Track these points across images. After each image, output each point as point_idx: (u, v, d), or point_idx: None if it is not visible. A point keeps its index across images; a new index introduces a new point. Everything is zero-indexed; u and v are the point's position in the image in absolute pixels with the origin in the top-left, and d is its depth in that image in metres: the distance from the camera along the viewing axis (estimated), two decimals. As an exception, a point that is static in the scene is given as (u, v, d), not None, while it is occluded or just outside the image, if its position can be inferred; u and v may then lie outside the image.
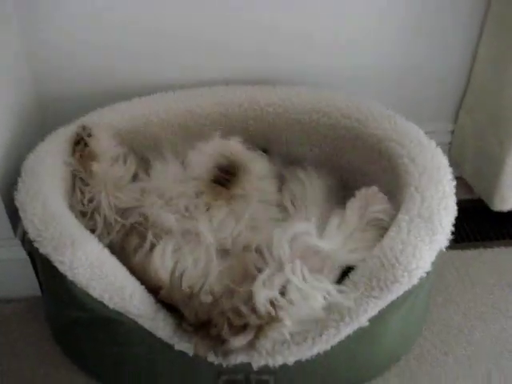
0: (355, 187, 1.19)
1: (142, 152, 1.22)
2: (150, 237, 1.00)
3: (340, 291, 0.90)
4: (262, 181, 1.16)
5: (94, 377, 1.09)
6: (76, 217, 1.03)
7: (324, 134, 1.24)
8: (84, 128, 1.13)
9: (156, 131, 1.25)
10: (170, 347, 0.94)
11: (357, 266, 0.94)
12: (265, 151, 1.24)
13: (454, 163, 1.43)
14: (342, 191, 1.23)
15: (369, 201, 1.03)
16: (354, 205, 1.04)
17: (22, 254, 1.17)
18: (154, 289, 0.95)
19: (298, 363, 0.93)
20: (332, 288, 0.90)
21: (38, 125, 1.31)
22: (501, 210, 1.36)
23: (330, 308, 0.90)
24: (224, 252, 1.03)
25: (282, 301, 0.86)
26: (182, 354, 0.94)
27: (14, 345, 1.15)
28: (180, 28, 1.27)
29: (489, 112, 1.34)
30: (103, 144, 1.12)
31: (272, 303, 0.86)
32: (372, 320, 0.92)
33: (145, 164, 1.17)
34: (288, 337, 0.88)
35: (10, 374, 1.11)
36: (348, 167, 1.25)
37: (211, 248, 1.00)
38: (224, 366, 0.93)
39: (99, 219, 1.05)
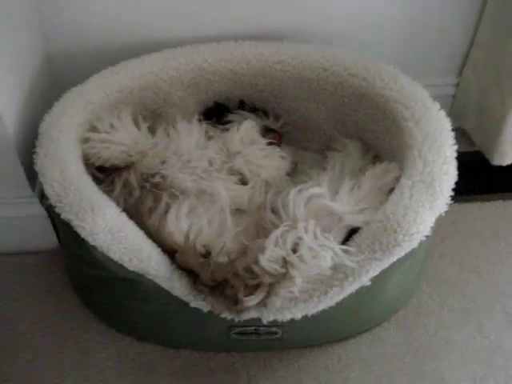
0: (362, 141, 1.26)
1: (154, 110, 1.26)
2: (165, 198, 1.04)
3: (346, 252, 0.95)
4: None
5: (111, 325, 1.17)
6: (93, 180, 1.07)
7: (331, 91, 1.27)
8: None
9: (166, 88, 1.27)
10: (185, 304, 1.00)
11: (361, 228, 0.99)
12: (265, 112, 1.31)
13: (456, 115, 1.49)
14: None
15: (386, 174, 1.08)
16: (370, 173, 1.08)
17: (41, 210, 1.22)
18: (169, 251, 1.00)
19: (305, 316, 0.99)
20: (339, 249, 0.94)
21: (52, 84, 1.33)
22: (500, 164, 1.40)
23: (335, 267, 0.96)
24: (240, 212, 1.08)
25: (293, 258, 0.91)
26: (197, 310, 1.00)
27: (35, 294, 1.22)
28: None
29: (493, 68, 1.35)
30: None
31: (284, 260, 0.91)
32: (373, 279, 0.98)
33: (159, 121, 1.22)
34: (297, 294, 0.94)
35: (32, 321, 1.18)
36: (353, 124, 1.28)
37: (226, 208, 1.05)
38: (236, 320, 0.99)
39: (118, 184, 1.10)
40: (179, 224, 1.00)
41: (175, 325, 1.09)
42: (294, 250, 0.92)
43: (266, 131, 1.28)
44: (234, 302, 0.93)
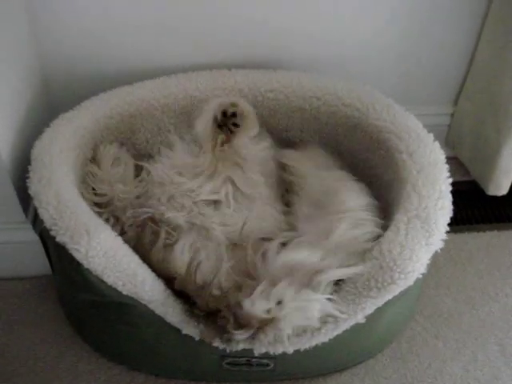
0: (355, 172, 1.24)
1: (142, 140, 1.27)
2: (162, 235, 1.04)
3: (333, 302, 0.95)
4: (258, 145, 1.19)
5: (102, 354, 1.15)
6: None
7: (324, 121, 1.26)
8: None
9: (157, 115, 1.26)
10: (177, 331, 0.99)
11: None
12: None
13: (451, 145, 1.49)
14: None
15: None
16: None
17: (33, 236, 1.20)
18: (168, 278, 1.00)
19: (297, 350, 0.98)
20: (325, 299, 0.94)
21: (48, 109, 1.32)
22: (495, 194, 1.40)
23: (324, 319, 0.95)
24: (233, 246, 1.08)
25: (277, 312, 0.90)
26: (189, 337, 0.99)
27: (25, 322, 1.20)
28: (182, 11, 1.26)
29: (488, 98, 1.35)
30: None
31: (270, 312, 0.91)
32: (368, 316, 0.97)
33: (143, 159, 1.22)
34: (286, 338, 0.93)
35: (21, 348, 1.16)
36: (348, 154, 1.27)
37: (222, 245, 1.05)
38: (227, 351, 0.98)
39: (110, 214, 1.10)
40: (182, 255, 1.01)
41: (167, 352, 1.08)
42: (280, 302, 0.91)
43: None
44: (226, 332, 0.93)
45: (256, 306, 0.90)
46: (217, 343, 0.97)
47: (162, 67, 1.30)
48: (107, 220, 1.11)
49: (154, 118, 1.26)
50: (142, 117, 1.25)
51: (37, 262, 1.25)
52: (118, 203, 1.13)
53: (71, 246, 0.95)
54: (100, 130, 1.20)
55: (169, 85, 1.26)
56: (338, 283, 0.99)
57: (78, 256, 0.95)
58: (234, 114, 1.10)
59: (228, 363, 1.06)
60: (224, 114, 1.10)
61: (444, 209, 1.01)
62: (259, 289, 0.92)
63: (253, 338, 0.93)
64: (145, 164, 1.18)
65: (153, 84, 1.26)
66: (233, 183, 1.14)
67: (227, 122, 1.11)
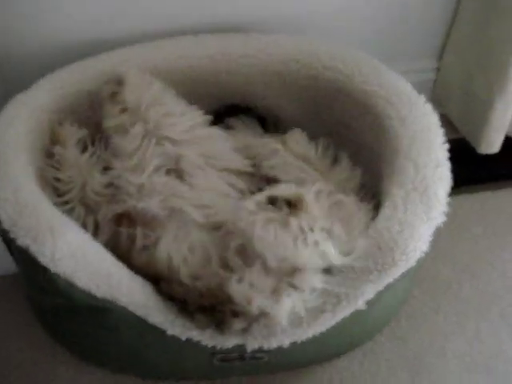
0: (339, 140, 1.16)
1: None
2: (139, 239, 0.94)
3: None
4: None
5: (82, 358, 1.07)
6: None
7: (304, 86, 1.16)
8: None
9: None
10: (162, 332, 0.90)
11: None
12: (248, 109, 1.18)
13: (438, 101, 1.39)
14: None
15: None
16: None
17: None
18: (153, 279, 0.92)
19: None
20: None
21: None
22: (487, 153, 1.32)
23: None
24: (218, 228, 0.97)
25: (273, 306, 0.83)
26: (175, 338, 0.90)
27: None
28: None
29: (477, 49, 1.26)
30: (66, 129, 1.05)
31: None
32: (367, 301, 0.90)
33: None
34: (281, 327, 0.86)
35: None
36: (330, 120, 1.18)
37: (203, 231, 0.95)
38: (217, 348, 0.90)
39: (81, 212, 1.00)
40: (165, 254, 0.92)
41: (153, 354, 0.99)
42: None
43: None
44: (221, 324, 0.86)
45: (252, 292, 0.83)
46: (206, 341, 0.89)
47: (123, 37, 1.17)
48: (73, 209, 1.00)
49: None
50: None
51: (2, 260, 1.14)
52: (91, 193, 1.01)
53: (35, 249, 0.85)
54: (59, 109, 1.08)
55: (131, 57, 1.13)
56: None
57: (43, 260, 0.85)
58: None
59: (219, 359, 0.98)
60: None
61: (443, 178, 0.94)
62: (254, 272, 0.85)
63: (247, 329, 0.85)
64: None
65: (113, 56, 1.13)
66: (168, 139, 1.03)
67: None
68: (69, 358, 1.07)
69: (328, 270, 0.89)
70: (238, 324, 0.84)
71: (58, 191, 1.02)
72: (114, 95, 1.04)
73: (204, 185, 1.01)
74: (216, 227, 0.96)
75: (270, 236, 0.86)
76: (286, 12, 1.24)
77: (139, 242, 0.94)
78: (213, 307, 0.85)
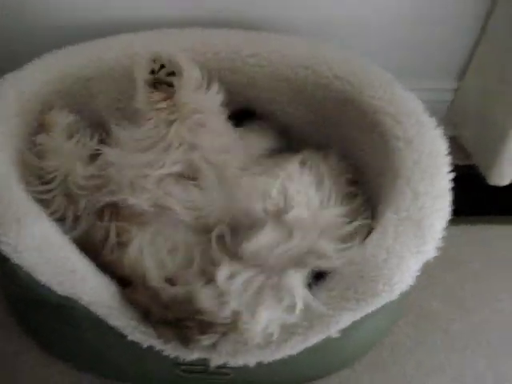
0: (342, 154, 1.10)
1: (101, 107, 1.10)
2: (113, 232, 0.90)
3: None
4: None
5: (45, 350, 1.03)
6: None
7: (312, 93, 1.10)
8: None
9: (118, 78, 1.09)
10: (123, 336, 0.86)
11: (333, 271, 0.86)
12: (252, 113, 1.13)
13: (452, 124, 1.33)
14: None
15: None
16: None
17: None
18: (122, 282, 0.88)
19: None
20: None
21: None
22: (497, 184, 1.26)
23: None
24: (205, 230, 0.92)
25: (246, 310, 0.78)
26: (136, 343, 0.86)
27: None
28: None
29: (499, 75, 1.19)
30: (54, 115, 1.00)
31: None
32: (343, 329, 0.85)
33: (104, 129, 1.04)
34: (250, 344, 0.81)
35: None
36: (336, 132, 1.12)
37: (189, 232, 0.91)
38: (180, 359, 0.86)
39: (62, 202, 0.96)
40: (136, 254, 0.88)
41: (114, 356, 0.96)
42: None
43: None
44: (186, 340, 0.81)
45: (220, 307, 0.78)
46: (168, 351, 0.85)
47: (125, 22, 1.14)
48: (54, 199, 0.96)
49: (114, 81, 1.09)
50: (100, 80, 1.09)
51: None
52: (73, 185, 0.97)
53: None
54: (49, 93, 1.04)
55: (133, 44, 1.09)
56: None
57: (6, 249, 0.81)
58: (162, 66, 0.94)
59: (183, 370, 0.93)
60: (152, 72, 0.94)
61: (442, 210, 0.88)
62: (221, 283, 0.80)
63: (213, 345, 0.81)
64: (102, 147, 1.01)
65: (113, 42, 1.10)
66: (196, 148, 0.96)
67: (161, 79, 0.95)
68: (33, 347, 1.03)
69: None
70: (204, 341, 0.80)
71: (41, 179, 0.98)
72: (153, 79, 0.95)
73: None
74: (204, 230, 0.92)
75: None
76: (299, 13, 1.20)
77: (113, 238, 0.90)
78: (177, 321, 0.81)
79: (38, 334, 1.03)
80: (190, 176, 0.97)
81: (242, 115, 1.12)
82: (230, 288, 0.80)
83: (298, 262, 0.85)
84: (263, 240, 0.85)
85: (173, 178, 0.96)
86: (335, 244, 0.87)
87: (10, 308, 1.06)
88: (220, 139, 0.98)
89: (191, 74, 0.96)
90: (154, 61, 0.94)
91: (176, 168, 0.95)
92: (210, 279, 0.82)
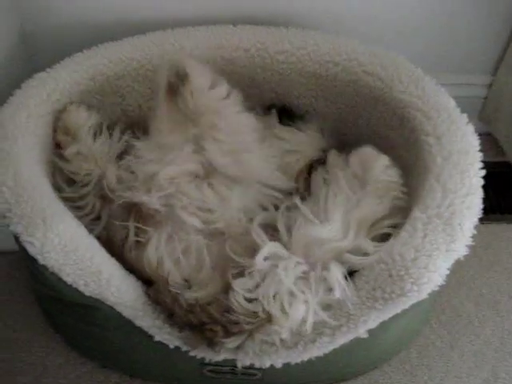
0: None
1: (134, 107, 1.11)
2: (132, 229, 0.90)
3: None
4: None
5: (74, 348, 1.04)
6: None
7: (342, 90, 1.09)
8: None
9: (149, 77, 1.09)
10: (149, 336, 0.87)
11: (361, 270, 0.84)
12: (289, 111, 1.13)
13: (486, 120, 1.30)
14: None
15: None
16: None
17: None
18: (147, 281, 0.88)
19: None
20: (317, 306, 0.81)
21: (20, 68, 1.16)
22: (533, 181, 1.22)
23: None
24: (218, 233, 0.92)
25: (272, 305, 0.78)
26: (163, 344, 0.87)
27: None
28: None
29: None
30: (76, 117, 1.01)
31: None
32: (372, 330, 0.83)
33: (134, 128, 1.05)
34: (278, 342, 0.81)
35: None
36: (365, 128, 1.11)
37: (200, 237, 0.89)
38: (207, 360, 0.86)
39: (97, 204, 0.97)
40: (156, 256, 0.87)
41: (141, 355, 0.96)
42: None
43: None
44: (212, 343, 0.81)
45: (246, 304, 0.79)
46: (195, 352, 0.85)
47: (156, 20, 1.14)
48: (88, 202, 0.97)
49: (144, 80, 1.10)
50: (131, 78, 1.09)
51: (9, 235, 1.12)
52: (106, 187, 0.97)
53: (25, 238, 0.82)
54: (79, 93, 1.04)
55: (163, 42, 1.09)
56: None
57: (32, 250, 0.82)
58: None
59: (210, 371, 0.93)
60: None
61: (472, 208, 0.84)
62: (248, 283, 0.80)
63: (240, 347, 0.81)
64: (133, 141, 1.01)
65: (144, 40, 1.09)
66: (205, 149, 0.96)
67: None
68: (61, 345, 1.04)
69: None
70: (230, 344, 0.80)
71: (74, 183, 0.99)
72: (171, 87, 0.96)
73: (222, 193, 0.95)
74: (215, 233, 0.92)
75: None
76: (329, 9, 1.18)
77: (131, 238, 0.90)
78: (202, 324, 0.81)
79: (65, 333, 1.04)
80: (204, 176, 0.97)
81: (280, 112, 1.12)
82: (269, 271, 0.80)
83: (338, 258, 0.84)
84: (322, 234, 0.85)
85: (187, 177, 0.95)
86: (374, 244, 0.86)
87: (40, 306, 1.07)
88: (236, 138, 0.97)
89: (198, 79, 0.95)
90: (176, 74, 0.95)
91: (188, 167, 0.95)
92: (240, 273, 0.82)
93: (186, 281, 0.85)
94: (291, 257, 0.83)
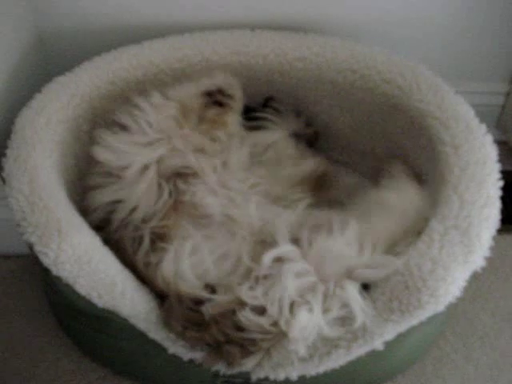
0: (388, 158, 1.08)
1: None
2: (147, 235, 0.89)
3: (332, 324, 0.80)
4: None
5: (86, 354, 1.03)
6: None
7: (359, 98, 1.09)
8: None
9: (168, 82, 1.09)
10: (163, 349, 0.86)
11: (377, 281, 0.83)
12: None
13: (504, 128, 1.29)
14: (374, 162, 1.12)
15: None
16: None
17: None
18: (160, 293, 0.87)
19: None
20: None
21: (37, 72, 1.17)
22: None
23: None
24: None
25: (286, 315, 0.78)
26: (176, 356, 0.86)
27: (6, 306, 1.09)
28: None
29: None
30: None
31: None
32: (388, 342, 0.82)
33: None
34: (295, 359, 0.81)
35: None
36: (382, 138, 1.10)
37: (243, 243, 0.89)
38: (221, 373, 0.85)
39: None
40: (177, 267, 0.86)
41: (154, 366, 0.95)
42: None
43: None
44: (229, 363, 0.81)
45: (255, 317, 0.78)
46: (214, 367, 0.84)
47: (174, 24, 1.15)
48: None
49: (163, 84, 1.08)
50: (150, 83, 1.09)
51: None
52: None
53: (39, 249, 0.81)
54: (100, 97, 1.05)
55: (182, 46, 1.10)
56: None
57: (46, 261, 0.81)
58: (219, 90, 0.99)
59: (223, 382, 0.92)
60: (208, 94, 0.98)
61: (490, 219, 0.84)
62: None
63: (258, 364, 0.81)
64: None
65: (163, 44, 1.10)
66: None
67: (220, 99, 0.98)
68: (73, 351, 1.03)
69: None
70: (248, 364, 0.80)
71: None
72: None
73: None
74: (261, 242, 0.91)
75: None
76: (348, 15, 1.18)
77: (146, 243, 0.88)
78: (217, 344, 0.80)
79: (78, 339, 1.04)
80: None
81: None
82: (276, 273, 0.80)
83: (350, 274, 0.83)
84: (336, 246, 0.84)
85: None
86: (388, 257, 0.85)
87: (52, 311, 1.07)
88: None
89: (240, 99, 1.00)
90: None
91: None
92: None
93: (209, 286, 0.83)
94: (303, 262, 0.82)
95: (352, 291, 0.81)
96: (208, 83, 0.99)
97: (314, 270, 0.82)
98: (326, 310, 0.80)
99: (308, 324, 0.78)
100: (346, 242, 0.85)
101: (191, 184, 0.93)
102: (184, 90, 0.98)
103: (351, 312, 0.80)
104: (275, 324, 0.78)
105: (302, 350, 0.79)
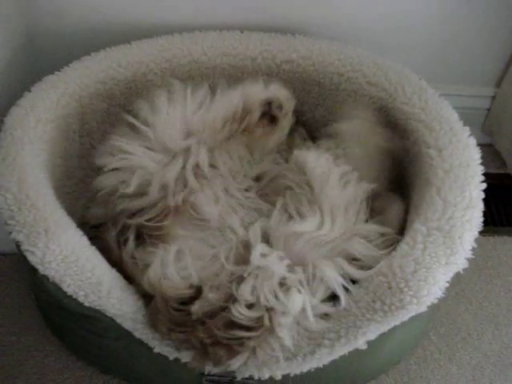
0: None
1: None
2: (131, 231, 0.90)
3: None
4: None
5: (73, 352, 1.03)
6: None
7: (342, 99, 1.10)
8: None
9: (157, 82, 1.10)
10: (149, 348, 0.86)
11: (360, 281, 0.85)
12: None
13: (488, 131, 1.30)
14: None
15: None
16: None
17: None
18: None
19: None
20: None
21: (27, 71, 1.16)
22: (535, 195, 1.22)
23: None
24: None
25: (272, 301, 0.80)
26: (162, 355, 0.86)
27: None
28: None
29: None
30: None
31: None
32: (370, 341, 0.83)
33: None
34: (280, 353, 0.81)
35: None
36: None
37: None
38: (206, 372, 0.86)
39: None
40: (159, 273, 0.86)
41: (140, 364, 0.95)
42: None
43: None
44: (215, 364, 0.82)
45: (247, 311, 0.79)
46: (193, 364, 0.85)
47: (164, 24, 1.15)
48: None
49: (154, 85, 1.10)
50: (139, 83, 1.10)
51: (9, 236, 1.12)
52: None
53: (26, 248, 0.82)
54: (89, 97, 1.05)
55: (171, 46, 1.10)
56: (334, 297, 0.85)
57: (32, 260, 0.82)
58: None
59: (209, 380, 0.92)
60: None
61: (472, 221, 0.85)
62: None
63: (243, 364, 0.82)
64: None
65: (152, 44, 1.11)
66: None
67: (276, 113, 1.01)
68: (60, 349, 1.04)
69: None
70: (234, 364, 0.81)
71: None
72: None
73: None
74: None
75: None
76: (335, 18, 1.19)
77: (131, 236, 0.90)
78: (203, 346, 0.80)
79: (65, 337, 1.04)
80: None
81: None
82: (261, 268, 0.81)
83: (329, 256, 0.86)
84: (297, 228, 0.87)
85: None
86: (366, 248, 0.88)
87: (39, 310, 1.07)
88: None
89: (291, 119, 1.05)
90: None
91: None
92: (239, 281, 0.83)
93: (194, 287, 0.84)
94: (273, 252, 0.84)
95: (329, 271, 0.84)
96: (272, 92, 1.00)
97: (287, 256, 0.85)
98: (312, 294, 0.82)
99: (304, 302, 0.81)
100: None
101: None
102: (253, 90, 1.00)
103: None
104: (267, 313, 0.79)
105: (288, 341, 0.80)
